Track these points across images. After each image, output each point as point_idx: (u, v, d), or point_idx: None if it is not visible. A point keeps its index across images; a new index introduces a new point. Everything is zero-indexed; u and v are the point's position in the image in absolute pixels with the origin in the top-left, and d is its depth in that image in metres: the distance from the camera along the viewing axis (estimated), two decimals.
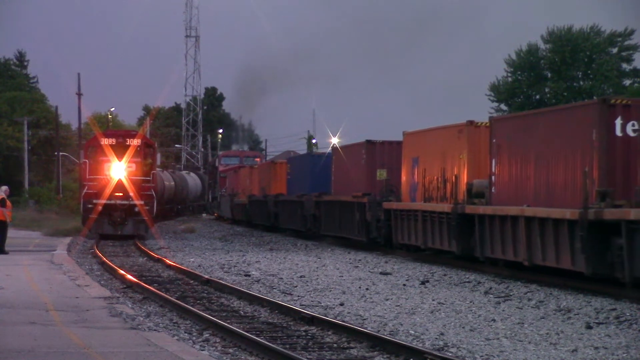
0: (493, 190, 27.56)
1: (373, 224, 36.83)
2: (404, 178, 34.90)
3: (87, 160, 45.61)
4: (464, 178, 29.51)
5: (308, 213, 46.07)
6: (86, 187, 44.77)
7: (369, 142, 39.18)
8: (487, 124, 28.75)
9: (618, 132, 22.36)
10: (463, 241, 28.92)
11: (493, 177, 27.56)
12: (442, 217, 30.24)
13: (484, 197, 28.18)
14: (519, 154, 26.23)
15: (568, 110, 25.49)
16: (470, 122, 29.64)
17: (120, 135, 46.97)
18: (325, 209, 43.70)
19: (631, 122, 22.20)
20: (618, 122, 22.34)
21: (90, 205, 44.10)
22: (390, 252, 35.76)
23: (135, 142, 45.41)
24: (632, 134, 22.22)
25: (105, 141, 45.16)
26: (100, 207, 43.82)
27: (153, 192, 45.36)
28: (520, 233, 25.23)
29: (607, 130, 22.32)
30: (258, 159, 77.47)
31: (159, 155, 52.91)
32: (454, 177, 29.96)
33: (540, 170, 25.02)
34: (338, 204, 41.37)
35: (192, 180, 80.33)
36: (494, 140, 27.51)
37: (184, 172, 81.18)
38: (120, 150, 44.80)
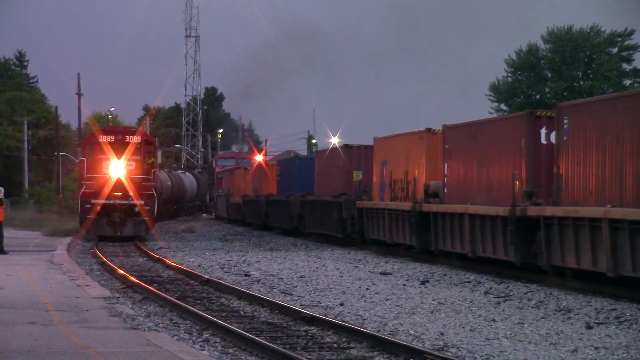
0: (445, 191, 30.84)
1: (348, 221, 39.74)
2: (374, 179, 37.94)
3: (84, 159, 43.80)
4: (423, 179, 32.66)
5: (294, 212, 48.46)
6: (84, 187, 42.96)
7: (346, 146, 43.23)
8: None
9: (543, 140, 25.72)
10: (422, 236, 32.05)
11: (445, 179, 30.85)
12: (405, 214, 33.32)
13: (438, 196, 31.26)
14: (466, 158, 29.51)
15: (503, 121, 28.93)
16: (429, 130, 32.76)
17: (119, 132, 44.80)
18: (309, 208, 46.17)
19: (554, 132, 24.92)
20: (543, 131, 25.74)
21: (88, 206, 42.37)
22: (390, 253, 35.79)
23: (135, 139, 43.52)
24: (554, 142, 24.87)
25: (103, 138, 43.26)
26: (98, 208, 42.12)
27: (154, 192, 43.61)
28: (465, 228, 28.47)
29: (533, 139, 25.76)
30: (254, 157, 78.10)
31: (159, 153, 51.30)
32: (413, 178, 33.25)
33: (482, 172, 28.38)
34: (320, 203, 44.10)
35: (189, 180, 79.89)
36: (447, 146, 30.83)
37: (180, 172, 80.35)
38: (119, 147, 42.94)
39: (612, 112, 22.22)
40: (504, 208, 25.82)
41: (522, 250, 25.27)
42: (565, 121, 23.95)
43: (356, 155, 41.56)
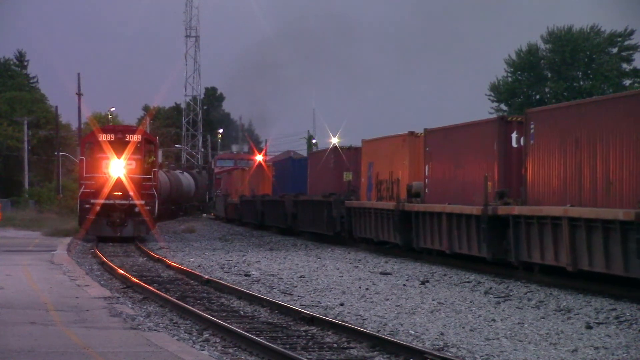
0: (426, 191, 32.42)
1: (338, 220, 41.37)
2: (362, 180, 39.57)
3: (84, 158, 42.94)
4: (406, 180, 34.14)
5: (288, 211, 49.92)
6: (83, 186, 42.18)
7: (336, 147, 45.60)
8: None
9: (514, 144, 27.31)
10: (404, 234, 33.46)
11: (426, 180, 32.46)
12: (389, 213, 34.83)
13: (420, 196, 32.84)
14: (445, 160, 31.15)
15: (477, 126, 29.64)
16: (411, 133, 34.55)
17: (119, 130, 43.97)
18: (302, 207, 47.68)
19: (523, 136, 26.43)
20: (514, 135, 27.30)
21: (87, 206, 41.53)
22: (390, 253, 35.78)
23: (136, 137, 42.67)
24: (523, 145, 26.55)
25: (103, 137, 42.41)
26: (98, 208, 41.34)
27: (154, 192, 42.82)
28: (443, 227, 30.05)
29: (505, 142, 27.46)
30: (254, 157, 78.77)
31: (160, 152, 50.42)
32: (397, 179, 34.90)
33: (459, 174, 29.99)
34: (311, 203, 45.68)
35: (186, 179, 79.55)
36: (427, 149, 32.47)
37: (177, 172, 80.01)
38: (119, 146, 42.11)
39: (571, 118, 23.81)
40: (477, 207, 27.33)
41: (494, 247, 26.83)
42: (532, 126, 25.53)
43: (346, 156, 42.82)
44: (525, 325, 17.95)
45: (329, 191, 42.86)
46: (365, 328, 17.05)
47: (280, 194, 52.86)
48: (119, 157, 42.09)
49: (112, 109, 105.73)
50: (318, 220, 44.11)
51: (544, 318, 19.05)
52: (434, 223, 30.95)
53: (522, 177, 26.02)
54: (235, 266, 31.13)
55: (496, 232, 26.61)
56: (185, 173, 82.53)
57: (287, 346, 15.43)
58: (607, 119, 22.13)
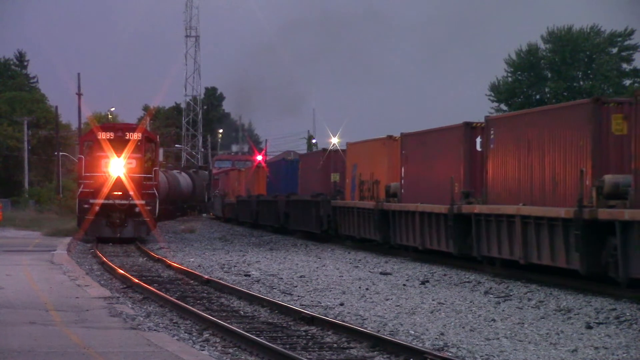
0: (402, 191, 34.57)
1: (325, 219, 43.55)
2: (347, 181, 41.76)
3: (83, 156, 41.79)
4: (385, 181, 36.31)
5: (281, 211, 51.75)
6: (82, 186, 41.10)
7: (324, 150, 48.52)
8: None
9: (478, 148, 29.32)
10: (383, 232, 35.79)
11: (402, 181, 34.59)
12: (370, 212, 37.12)
13: (397, 196, 34.92)
14: (418, 162, 33.38)
15: (446, 131, 31.61)
16: (390, 137, 36.54)
17: (119, 128, 42.64)
18: (293, 207, 49.61)
19: (485, 141, 28.55)
20: (478, 140, 29.34)
21: (86, 206, 40.48)
22: (390, 253, 35.80)
23: (136, 136, 41.50)
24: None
25: (102, 135, 41.19)
26: (97, 208, 40.24)
27: (155, 191, 41.63)
28: (417, 224, 32.33)
29: (470, 146, 29.60)
30: (255, 157, 79.60)
31: (161, 151, 49.39)
32: (377, 180, 37.06)
33: (430, 175, 32.17)
34: (301, 202, 47.72)
35: (184, 179, 79.33)
36: (403, 152, 34.68)
37: (174, 172, 79.74)
38: (119, 145, 40.96)
39: (524, 125, 26.24)
40: (445, 206, 29.67)
41: (460, 243, 29.22)
42: (492, 132, 27.86)
43: (333, 158, 44.92)
44: (525, 325, 17.95)
45: (318, 191, 44.90)
46: (365, 328, 17.05)
47: (274, 194, 54.67)
48: (118, 156, 40.98)
49: (112, 109, 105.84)
50: (307, 219, 46.08)
51: (544, 318, 19.06)
52: (409, 221, 33.26)
53: (483, 178, 28.31)
54: (235, 266, 31.13)
55: (461, 229, 28.95)
56: (182, 173, 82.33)
57: (287, 346, 15.44)
58: (552, 126, 24.43)
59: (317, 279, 26.80)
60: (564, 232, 23.18)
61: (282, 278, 26.98)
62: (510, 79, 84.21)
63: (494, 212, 26.99)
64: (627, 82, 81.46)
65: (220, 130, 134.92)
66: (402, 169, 34.55)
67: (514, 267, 26.44)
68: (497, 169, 27.44)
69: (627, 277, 20.99)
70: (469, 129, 29.69)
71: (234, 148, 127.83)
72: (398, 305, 20.87)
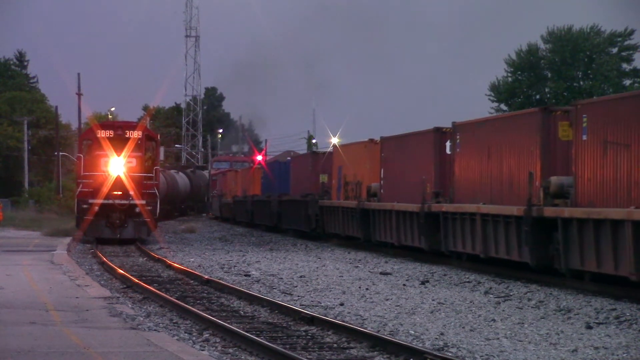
0: (382, 191, 36.64)
1: (313, 218, 45.59)
2: (333, 182, 43.81)
3: (82, 155, 40.77)
4: (367, 182, 38.35)
5: (274, 210, 53.51)
6: (81, 185, 40.24)
7: (313, 152, 51.57)
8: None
9: (448, 151, 31.27)
10: (365, 229, 37.77)
11: (382, 181, 36.71)
12: (352, 211, 39.21)
13: (377, 196, 37.00)
14: (396, 164, 35.46)
15: (419, 135, 33.78)
16: (371, 140, 38.69)
17: (119, 126, 41.42)
18: (285, 206, 51.56)
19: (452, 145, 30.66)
20: (448, 144, 31.31)
21: (85, 206, 39.62)
22: (391, 253, 35.82)
23: (136, 134, 40.55)
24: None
25: (102, 133, 40.24)
26: (96, 208, 39.38)
27: (156, 191, 40.75)
28: (393, 222, 34.45)
29: (440, 150, 31.78)
30: (255, 157, 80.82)
31: (162, 150, 48.35)
32: (360, 181, 39.16)
33: (405, 176, 34.18)
34: (292, 202, 49.78)
35: (182, 179, 79.18)
36: (383, 154, 36.81)
37: (172, 171, 79.48)
38: (119, 143, 40.04)
39: (484, 132, 28.34)
40: (417, 205, 31.95)
41: (430, 239, 31.36)
42: (458, 137, 29.97)
43: (322, 160, 46.54)
44: (525, 325, 17.95)
45: (308, 192, 46.87)
46: (365, 328, 17.04)
47: (267, 195, 56.61)
48: (118, 155, 40.10)
49: (112, 109, 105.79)
50: (298, 218, 48.18)
51: (544, 318, 19.05)
52: (387, 219, 35.40)
53: (451, 179, 30.51)
54: (235, 266, 31.13)
55: (432, 226, 31.15)
56: (180, 173, 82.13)
57: (287, 346, 15.43)
58: (508, 132, 26.74)
59: (317, 279, 26.80)
60: (516, 229, 25.56)
61: (282, 278, 26.97)
62: (510, 79, 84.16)
63: (458, 211, 29.21)
64: (627, 82, 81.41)
65: (220, 130, 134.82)
66: (382, 171, 36.71)
67: (478, 261, 28.46)
68: (463, 171, 29.63)
69: (567, 268, 23.29)
70: (440, 134, 31.74)
71: (234, 148, 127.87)
72: (398, 305, 20.87)
